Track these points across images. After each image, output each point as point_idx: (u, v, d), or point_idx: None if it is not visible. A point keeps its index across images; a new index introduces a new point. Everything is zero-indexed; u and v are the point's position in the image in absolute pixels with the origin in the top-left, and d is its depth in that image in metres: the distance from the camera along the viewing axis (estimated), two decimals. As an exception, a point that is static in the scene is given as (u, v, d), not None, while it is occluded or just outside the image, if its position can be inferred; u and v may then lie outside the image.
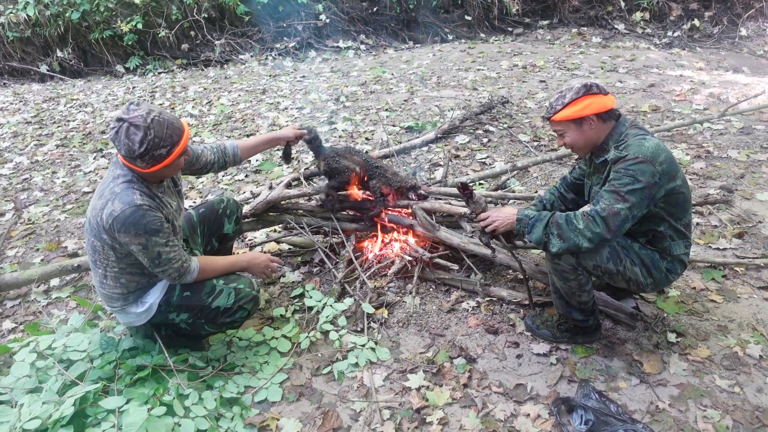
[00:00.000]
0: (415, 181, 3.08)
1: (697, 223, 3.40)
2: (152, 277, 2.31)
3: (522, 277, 2.69)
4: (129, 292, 2.31)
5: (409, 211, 3.08)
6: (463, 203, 3.05)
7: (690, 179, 3.89)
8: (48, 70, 8.52)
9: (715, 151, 4.29)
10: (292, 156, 2.99)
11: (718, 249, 3.16)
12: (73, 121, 6.34)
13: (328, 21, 8.76)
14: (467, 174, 4.18)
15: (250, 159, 4.81)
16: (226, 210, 2.79)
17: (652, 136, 2.19)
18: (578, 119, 2.18)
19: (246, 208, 3.19)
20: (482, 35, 8.84)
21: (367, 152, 3.31)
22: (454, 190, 3.32)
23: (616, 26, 8.44)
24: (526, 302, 2.77)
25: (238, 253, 3.09)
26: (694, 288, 2.85)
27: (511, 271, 3.03)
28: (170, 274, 2.25)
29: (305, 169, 4.41)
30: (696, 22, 8.03)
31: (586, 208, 2.22)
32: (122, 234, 2.09)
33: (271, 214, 3.25)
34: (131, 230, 2.08)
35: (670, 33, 8.13)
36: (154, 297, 2.34)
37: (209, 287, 2.36)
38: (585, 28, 8.62)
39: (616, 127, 2.23)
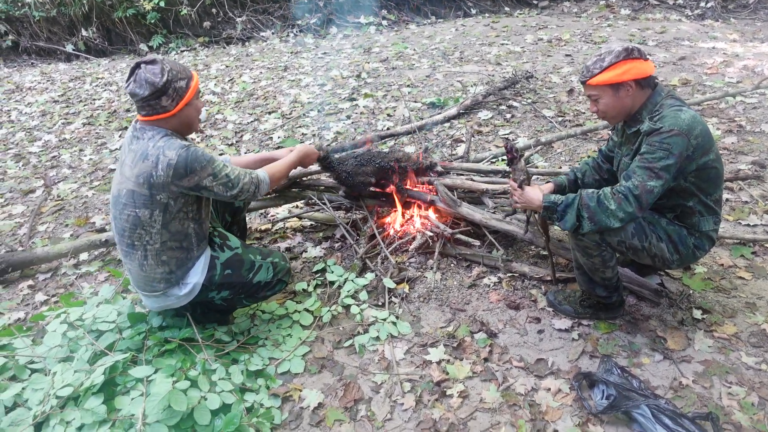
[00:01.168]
0: (431, 159, 3.05)
1: (727, 199, 3.31)
2: (189, 251, 2.29)
3: (547, 252, 2.66)
4: (171, 271, 2.27)
5: (431, 187, 3.06)
6: (489, 178, 3.03)
7: (721, 154, 3.77)
8: (74, 50, 8.63)
9: (748, 125, 4.15)
10: None
11: (748, 225, 3.08)
12: (99, 99, 6.43)
13: (349, -4, 8.66)
14: (490, 150, 4.13)
15: (272, 136, 4.84)
16: None
17: (689, 107, 2.11)
18: (616, 84, 2.10)
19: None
20: (506, 9, 8.64)
21: (377, 146, 3.27)
22: (477, 166, 3.29)
23: (645, -3, 8.17)
24: (548, 278, 2.75)
25: (259, 229, 3.11)
26: (722, 265, 2.79)
27: (533, 246, 3.00)
28: (248, 190, 2.28)
29: (327, 145, 4.41)
30: (731, -9, 7.72)
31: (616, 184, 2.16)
32: (189, 176, 2.10)
33: (293, 190, 3.27)
34: (196, 166, 2.10)
35: (702, 4, 7.83)
36: (196, 278, 2.32)
37: (248, 263, 2.40)
38: (613, 0, 8.36)
39: (651, 96, 2.14)
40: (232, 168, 2.24)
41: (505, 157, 2.34)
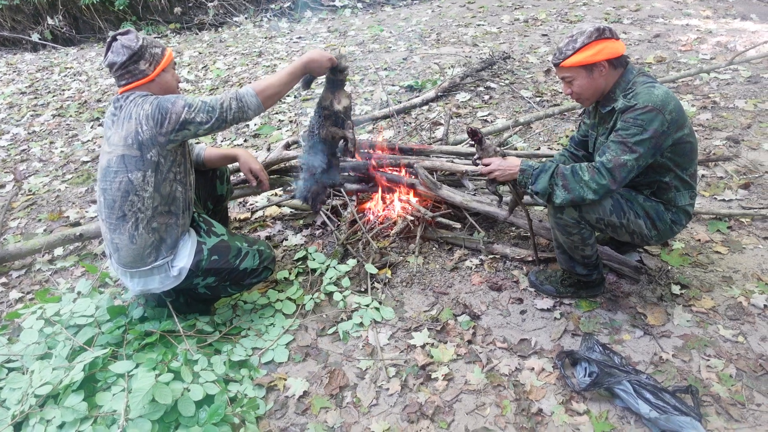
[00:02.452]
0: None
1: (703, 175, 3.36)
2: (177, 217, 2.27)
3: (528, 228, 2.66)
4: (161, 239, 2.25)
5: (410, 171, 3.04)
6: (470, 160, 3.02)
7: (696, 131, 3.82)
8: (40, 39, 8.36)
9: (722, 101, 4.21)
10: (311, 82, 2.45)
11: (723, 200, 3.13)
12: (68, 90, 6.25)
13: (323, -21, 8.52)
14: (469, 132, 4.12)
15: (248, 123, 4.76)
16: (216, 172, 2.76)
17: (660, 84, 2.12)
18: (589, 65, 2.10)
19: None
20: (482, -11, 8.59)
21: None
22: (455, 148, 3.27)
23: (620, -25, 8.17)
24: (530, 259, 2.76)
25: (239, 217, 3.06)
26: (699, 240, 2.83)
27: (514, 228, 3.01)
28: (230, 107, 2.14)
29: (303, 132, 4.36)
30: (703, -32, 7.76)
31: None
32: (167, 117, 2.08)
33: (271, 177, 3.22)
34: (168, 105, 2.09)
35: (676, -19, 7.86)
36: (183, 261, 2.30)
37: (235, 250, 2.39)
38: (588, -21, 8.35)
39: (623, 75, 2.15)
40: (203, 96, 2.20)
41: (472, 142, 2.32)
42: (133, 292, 2.44)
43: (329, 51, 2.46)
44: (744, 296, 2.44)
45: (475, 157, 2.42)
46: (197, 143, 4.16)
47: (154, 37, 7.96)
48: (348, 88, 5.09)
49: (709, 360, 2.16)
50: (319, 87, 4.89)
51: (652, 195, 2.24)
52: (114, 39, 2.18)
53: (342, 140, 2.54)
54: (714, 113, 4.05)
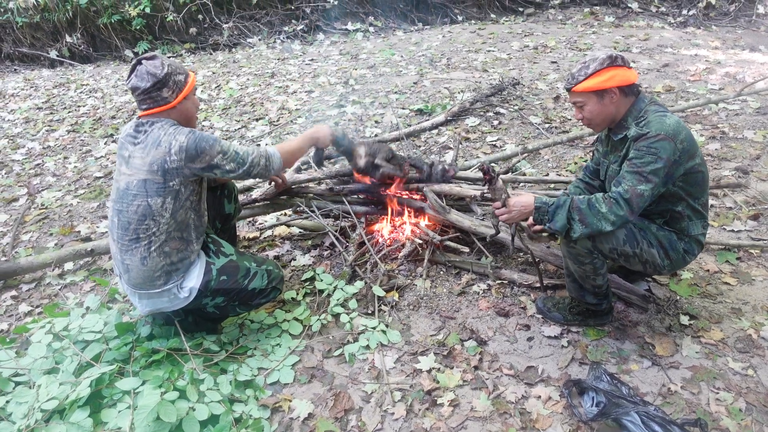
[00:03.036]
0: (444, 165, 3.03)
1: (712, 205, 3.36)
2: (189, 243, 2.30)
3: (532, 260, 2.67)
4: (172, 263, 2.27)
5: (420, 194, 3.06)
6: (480, 185, 3.03)
7: (705, 160, 3.83)
8: (58, 56, 8.53)
9: (731, 131, 4.22)
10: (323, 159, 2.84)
11: (732, 231, 3.13)
12: (84, 106, 6.36)
13: (336, 3, 8.66)
14: (478, 157, 4.15)
15: (259, 143, 4.82)
16: (224, 190, 2.78)
17: (672, 113, 2.14)
18: (600, 91, 2.13)
19: (257, 193, 3.19)
20: (492, 16, 8.72)
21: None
22: (466, 173, 3.30)
23: (629, 5, 8.29)
24: (537, 285, 2.76)
25: (247, 237, 3.08)
26: (708, 270, 2.82)
27: (522, 254, 3.02)
28: (258, 163, 2.32)
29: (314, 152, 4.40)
30: (712, 0, 7.85)
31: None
32: (200, 157, 2.16)
33: (281, 198, 3.25)
34: (206, 146, 2.16)
35: (685, 12, 7.96)
36: (193, 282, 2.33)
37: (244, 270, 2.41)
38: (598, 7, 8.47)
39: (635, 103, 2.18)
40: (239, 145, 2.31)
41: (483, 179, 2.33)
42: (141, 312, 2.45)
43: (332, 127, 2.74)
44: (753, 328, 2.43)
45: (484, 191, 2.43)
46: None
47: (171, 57, 8.12)
48: (359, 109, 5.15)
49: (718, 393, 2.14)
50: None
51: (665, 224, 2.25)
52: (139, 63, 2.20)
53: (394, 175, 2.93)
54: (723, 143, 4.06)
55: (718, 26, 7.52)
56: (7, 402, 2.19)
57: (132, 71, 2.20)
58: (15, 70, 8.52)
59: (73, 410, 2.06)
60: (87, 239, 3.62)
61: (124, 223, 2.23)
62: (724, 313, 2.54)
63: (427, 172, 2.99)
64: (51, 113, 6.24)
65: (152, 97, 2.18)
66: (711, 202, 3.38)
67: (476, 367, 2.36)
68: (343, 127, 2.91)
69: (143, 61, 2.19)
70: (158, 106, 2.21)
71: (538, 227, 2.71)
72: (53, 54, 8.53)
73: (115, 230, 2.28)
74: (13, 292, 3.15)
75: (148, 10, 8.10)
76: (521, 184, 3.51)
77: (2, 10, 8.21)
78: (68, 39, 8.44)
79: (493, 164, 3.75)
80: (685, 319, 2.50)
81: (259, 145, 2.46)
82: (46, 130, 5.73)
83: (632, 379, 2.24)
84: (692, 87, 5.15)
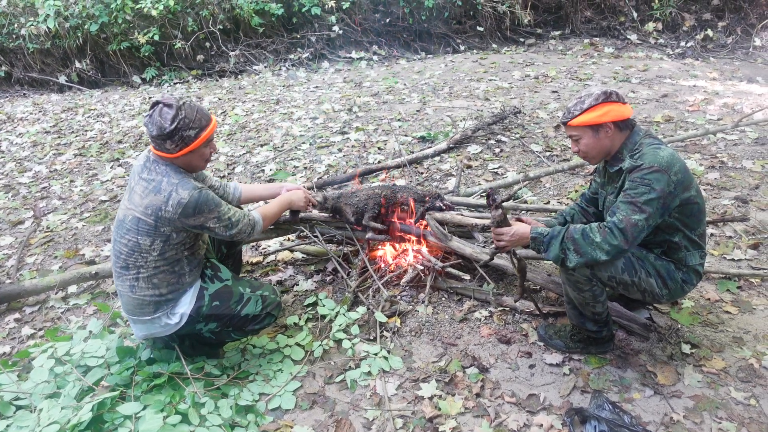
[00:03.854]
0: (438, 191, 3.12)
1: (712, 234, 3.38)
2: (181, 277, 2.34)
3: (521, 290, 2.65)
4: (161, 294, 2.31)
5: (422, 221, 3.09)
6: (480, 212, 3.06)
7: (704, 190, 3.87)
8: (66, 81, 8.68)
9: (730, 161, 4.27)
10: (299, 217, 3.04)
11: (732, 260, 3.14)
12: (91, 130, 6.45)
13: (341, 32, 8.84)
14: (479, 184, 4.19)
15: (264, 168, 4.87)
16: None
17: (666, 146, 2.19)
18: (595, 126, 2.18)
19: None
20: (494, 46, 8.88)
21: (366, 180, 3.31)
22: (467, 200, 3.34)
23: (628, 36, 8.44)
24: (538, 313, 2.77)
25: (250, 262, 3.11)
26: (709, 299, 2.83)
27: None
28: (243, 230, 2.38)
29: (318, 178, 4.45)
30: (709, 32, 8.01)
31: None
32: (195, 217, 2.19)
33: (284, 224, 3.28)
34: (204, 209, 2.20)
35: (683, 43, 8.11)
36: (184, 308, 2.36)
37: (237, 296, 2.41)
38: (597, 39, 8.63)
39: (630, 137, 2.23)
40: (234, 210, 2.34)
41: (487, 203, 2.38)
42: (137, 337, 2.48)
43: (311, 192, 2.88)
44: (755, 358, 2.43)
45: (490, 221, 2.48)
46: (229, 180, 4.23)
47: (175, 84, 8.26)
48: (362, 136, 5.22)
49: (720, 423, 2.13)
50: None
51: (663, 254, 2.27)
52: (157, 103, 2.18)
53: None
54: (722, 173, 4.10)
55: (716, 58, 7.65)
56: (8, 426, 2.18)
57: (150, 109, 2.20)
58: (24, 94, 8.66)
59: (75, 434, 2.05)
60: (91, 262, 3.65)
61: (116, 252, 2.30)
62: (726, 342, 2.54)
63: (421, 211, 3.08)
64: (58, 137, 6.33)
65: (156, 143, 2.20)
66: (711, 231, 3.41)
67: (478, 395, 2.36)
68: (325, 193, 3.02)
69: (160, 105, 2.17)
70: (161, 151, 2.22)
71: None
72: (62, 79, 8.68)
73: (112, 255, 2.35)
74: (17, 315, 3.16)
75: (156, 37, 8.26)
76: (522, 212, 3.54)
77: (14, 36, 8.38)
78: (78, 65, 8.60)
79: (498, 191, 3.79)
80: (686, 348, 2.50)
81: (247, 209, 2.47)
82: (54, 154, 5.81)
83: (634, 407, 2.24)
84: (691, 117, 5.22)
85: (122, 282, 2.32)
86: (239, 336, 2.54)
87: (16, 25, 8.34)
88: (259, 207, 2.60)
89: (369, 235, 3.04)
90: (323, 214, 3.19)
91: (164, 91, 8.01)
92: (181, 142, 2.17)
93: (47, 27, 8.09)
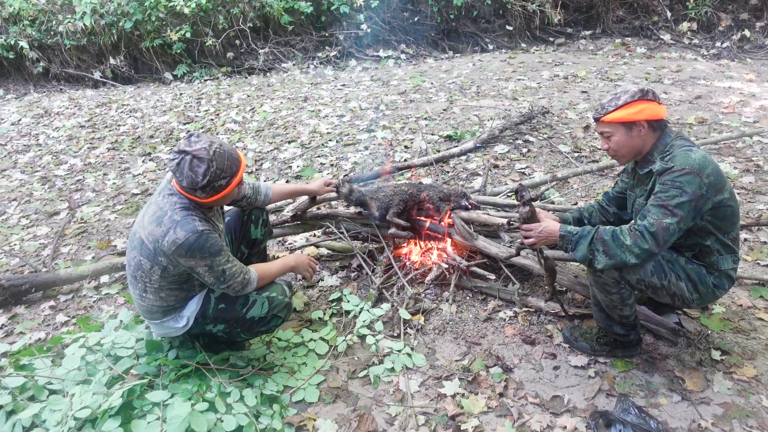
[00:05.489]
0: (463, 190, 3.12)
1: (745, 239, 3.30)
2: (190, 291, 2.36)
3: (551, 291, 2.62)
4: (168, 305, 2.35)
5: (449, 220, 3.09)
6: (505, 212, 3.05)
7: (738, 194, 3.78)
8: (101, 77, 8.90)
9: (766, 165, 4.15)
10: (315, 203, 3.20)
11: (767, 266, 3.06)
12: (124, 125, 6.60)
13: (369, 31, 8.87)
14: (506, 184, 4.17)
15: (291, 165, 4.93)
16: (251, 216, 2.80)
17: (698, 148, 2.14)
18: (629, 123, 2.15)
19: (288, 208, 3.26)
20: (523, 45, 8.79)
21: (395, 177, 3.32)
22: (494, 199, 3.32)
23: (661, 36, 8.27)
24: (564, 314, 2.74)
25: (277, 257, 3.16)
26: (741, 305, 2.77)
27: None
28: (233, 288, 2.30)
29: (344, 175, 4.48)
30: (746, 32, 7.78)
31: (632, 222, 2.18)
32: (187, 259, 2.16)
33: (310, 220, 3.31)
34: (197, 255, 2.15)
35: (718, 44, 7.90)
36: (190, 311, 2.39)
37: (243, 298, 2.39)
38: (629, 39, 8.47)
39: (661, 138, 2.19)
40: (233, 263, 2.27)
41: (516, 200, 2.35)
42: (156, 335, 2.57)
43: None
44: (789, 367, 2.36)
45: (511, 219, 2.46)
46: (257, 177, 4.27)
47: (206, 81, 8.38)
48: (389, 134, 5.24)
49: (751, 431, 2.08)
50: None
51: (694, 258, 2.23)
52: (185, 153, 2.08)
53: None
54: (757, 176, 4.00)
55: (753, 59, 7.44)
56: (42, 409, 2.26)
57: (178, 155, 2.10)
58: (61, 89, 8.91)
59: (105, 420, 2.11)
60: (122, 254, 3.74)
61: (128, 261, 2.35)
62: (758, 350, 2.48)
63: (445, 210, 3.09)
64: (93, 131, 6.50)
65: (187, 190, 2.14)
66: (745, 235, 3.33)
67: (501, 394, 2.35)
68: (351, 185, 3.08)
69: (189, 156, 2.07)
70: (188, 194, 2.15)
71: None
72: (97, 75, 8.90)
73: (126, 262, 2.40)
74: (52, 303, 3.26)
75: (188, 35, 8.41)
76: (549, 212, 3.50)
77: (52, 33, 8.63)
78: (112, 61, 8.81)
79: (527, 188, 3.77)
80: (716, 354, 2.45)
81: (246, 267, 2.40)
82: (88, 148, 5.97)
83: (661, 413, 2.20)
84: (725, 119, 5.09)
85: (133, 289, 2.38)
86: (248, 336, 2.53)
87: (54, 22, 8.58)
88: (261, 265, 2.51)
89: (392, 231, 3.05)
90: (349, 209, 3.22)
91: (195, 88, 8.14)
92: (213, 191, 2.14)
93: (84, 24, 8.31)
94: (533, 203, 2.28)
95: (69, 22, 8.37)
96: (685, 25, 8.22)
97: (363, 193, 3.07)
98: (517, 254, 2.61)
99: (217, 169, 2.09)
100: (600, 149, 4.67)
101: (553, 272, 2.47)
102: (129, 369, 2.48)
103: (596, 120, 2.22)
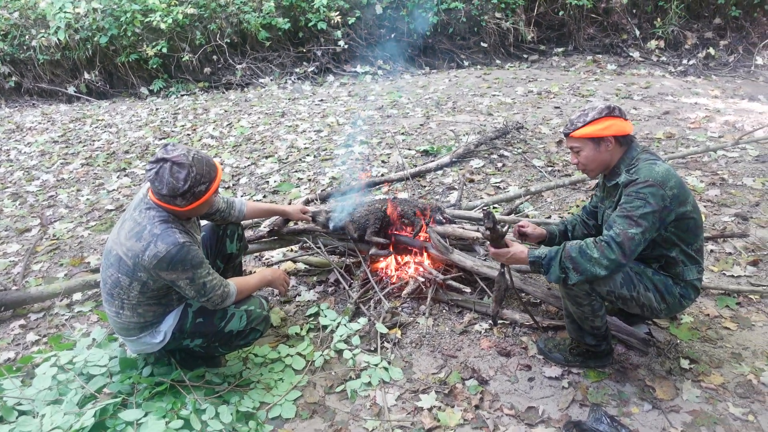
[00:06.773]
0: (438, 204, 3.18)
1: (711, 250, 3.40)
2: (168, 306, 2.35)
3: (495, 304, 2.64)
4: (146, 321, 2.33)
5: (424, 235, 3.13)
6: (479, 227, 3.10)
7: (704, 206, 3.90)
8: (75, 92, 8.80)
9: (730, 178, 4.30)
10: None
11: (732, 276, 3.16)
12: (98, 140, 6.53)
13: (346, 47, 8.95)
14: (481, 198, 4.23)
15: (268, 180, 4.93)
16: (227, 231, 2.80)
17: (663, 161, 2.23)
18: (597, 138, 2.23)
19: (265, 224, 3.27)
20: (498, 62, 8.97)
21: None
22: (469, 213, 3.37)
23: (631, 54, 8.52)
24: (537, 326, 2.79)
25: (253, 272, 3.16)
26: (708, 315, 2.85)
27: (523, 294, 3.05)
28: (213, 301, 2.30)
29: (321, 190, 4.50)
30: (711, 50, 8.08)
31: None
32: (169, 272, 2.14)
33: (288, 235, 3.32)
34: (179, 267, 2.14)
35: (685, 61, 8.18)
36: (167, 326, 2.36)
37: (221, 312, 2.38)
38: (600, 56, 8.70)
39: (628, 152, 2.28)
40: (213, 276, 2.27)
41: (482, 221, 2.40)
42: (131, 352, 2.54)
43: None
44: (754, 374, 2.44)
45: (483, 232, 2.50)
46: (234, 192, 4.27)
47: (182, 96, 8.35)
48: (366, 149, 5.28)
49: (718, 438, 2.14)
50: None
51: (660, 269, 2.30)
52: (164, 161, 2.09)
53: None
54: (722, 190, 4.13)
55: (718, 76, 7.71)
56: (11, 431, 2.21)
57: (155, 164, 2.11)
58: (33, 104, 8.78)
59: (77, 440, 2.08)
60: (96, 270, 3.68)
61: (103, 279, 2.32)
62: (725, 358, 2.55)
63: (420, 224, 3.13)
64: (66, 147, 6.41)
65: (165, 199, 2.14)
66: (711, 247, 3.43)
67: (477, 407, 2.38)
68: (324, 212, 3.14)
69: (169, 163, 2.09)
70: (167, 204, 2.16)
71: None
72: (71, 90, 8.80)
73: (100, 280, 2.36)
74: (22, 321, 3.20)
75: (165, 50, 8.39)
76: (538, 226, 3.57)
77: (25, 47, 8.52)
78: (87, 76, 8.72)
79: (494, 208, 3.83)
80: (685, 363, 2.51)
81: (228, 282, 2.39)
82: (61, 163, 5.88)
83: (633, 422, 2.25)
84: (692, 134, 5.26)
85: (108, 307, 2.35)
86: (226, 351, 2.52)
87: (27, 37, 8.48)
88: (240, 278, 2.53)
89: (373, 250, 3.08)
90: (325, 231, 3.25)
91: (171, 103, 8.10)
92: (192, 197, 2.14)
93: (58, 39, 8.22)
94: (501, 229, 2.30)
95: (42, 36, 8.29)
96: (653, 43, 8.49)
97: (340, 220, 3.10)
98: (502, 273, 2.61)
99: (197, 174, 2.11)
100: (572, 164, 4.78)
101: (501, 290, 2.51)
102: (102, 388, 2.44)
103: (566, 135, 2.30)
